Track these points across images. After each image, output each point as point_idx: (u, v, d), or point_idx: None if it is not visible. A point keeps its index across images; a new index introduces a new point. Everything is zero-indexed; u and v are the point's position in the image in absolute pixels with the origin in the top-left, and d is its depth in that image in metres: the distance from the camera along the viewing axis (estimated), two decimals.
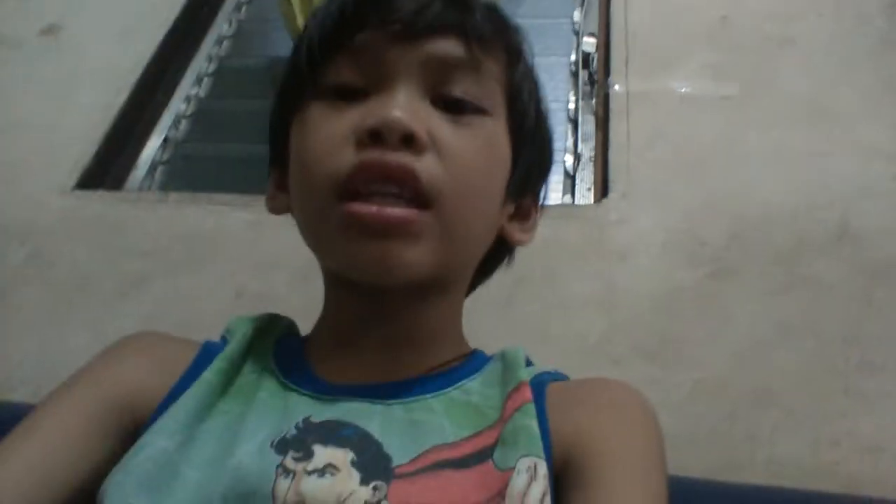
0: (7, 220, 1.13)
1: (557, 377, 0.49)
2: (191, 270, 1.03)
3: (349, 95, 0.46)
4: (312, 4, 1.17)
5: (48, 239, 1.10)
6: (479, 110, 0.46)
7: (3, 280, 1.07)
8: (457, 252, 0.47)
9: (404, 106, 0.43)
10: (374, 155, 0.42)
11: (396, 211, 0.42)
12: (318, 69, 0.47)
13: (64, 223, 1.12)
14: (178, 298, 1.01)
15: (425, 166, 0.43)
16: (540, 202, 0.56)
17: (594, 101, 1.19)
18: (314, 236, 0.48)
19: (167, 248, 1.06)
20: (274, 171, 0.54)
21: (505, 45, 0.49)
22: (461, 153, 0.44)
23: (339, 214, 0.43)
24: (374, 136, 0.42)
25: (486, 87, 0.47)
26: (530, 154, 0.51)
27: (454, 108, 0.46)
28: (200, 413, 0.45)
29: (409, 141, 0.42)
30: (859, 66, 1.10)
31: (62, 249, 1.09)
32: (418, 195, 0.43)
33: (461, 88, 0.46)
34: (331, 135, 0.44)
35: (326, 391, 0.46)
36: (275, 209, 0.53)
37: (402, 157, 0.42)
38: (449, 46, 0.46)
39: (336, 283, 0.50)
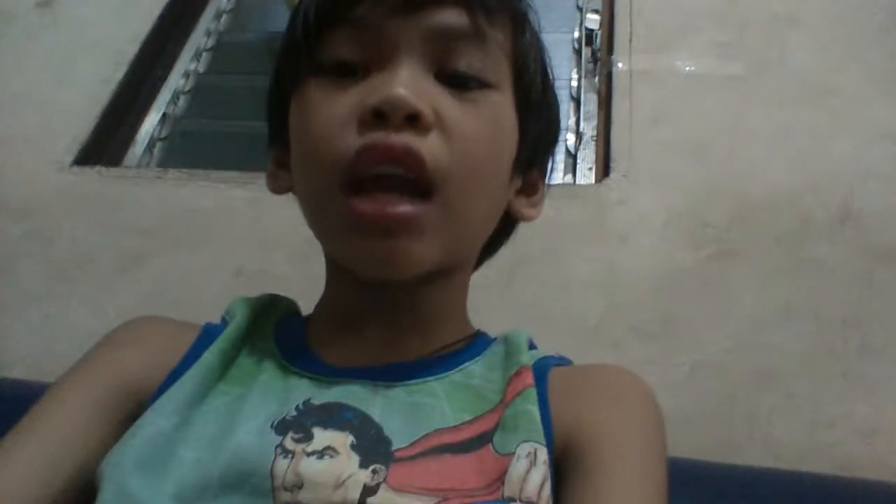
0: (5, 195, 1.13)
1: (560, 362, 0.49)
2: (190, 248, 1.03)
3: (349, 72, 0.44)
4: None
5: (46, 215, 1.10)
6: (485, 84, 0.45)
7: (2, 256, 1.06)
8: (463, 238, 0.46)
9: (408, 82, 0.41)
10: (378, 137, 0.41)
11: (400, 209, 0.41)
12: (316, 44, 0.45)
13: (62, 199, 1.11)
14: (177, 276, 1.01)
15: (430, 147, 0.41)
16: (546, 174, 0.54)
17: (597, 79, 1.17)
18: (317, 224, 0.47)
19: (166, 226, 1.06)
20: (273, 149, 0.52)
21: (510, 12, 0.47)
22: (467, 132, 0.43)
23: (343, 211, 0.42)
24: (378, 116, 0.41)
25: (492, 59, 0.45)
26: (537, 126, 0.50)
27: (459, 82, 0.44)
28: (199, 394, 0.45)
29: (413, 119, 0.41)
30: (866, 45, 1.09)
31: (60, 226, 1.08)
32: (423, 180, 0.41)
33: (466, 62, 0.44)
34: (332, 115, 0.43)
35: (327, 373, 0.46)
36: (276, 189, 0.52)
37: (406, 139, 0.41)
38: (452, 17, 0.44)
39: (338, 268, 0.49)
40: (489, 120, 0.45)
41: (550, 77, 0.53)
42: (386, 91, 0.41)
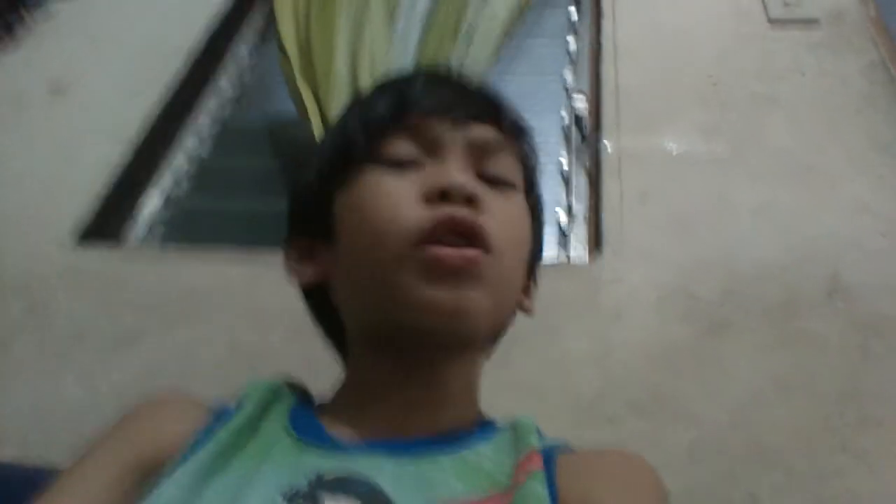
0: (6, 272, 1.14)
1: (566, 448, 0.50)
2: (187, 325, 1.03)
3: (402, 166, 0.51)
4: (330, 88, 1.21)
5: (46, 292, 1.10)
6: (511, 184, 0.53)
7: (0, 332, 1.06)
8: (503, 308, 0.52)
9: (462, 173, 0.50)
10: (448, 210, 0.47)
11: (471, 251, 0.47)
12: (369, 147, 0.52)
13: (62, 277, 1.12)
14: (173, 352, 1.01)
15: (485, 222, 0.48)
16: (534, 276, 0.60)
17: (586, 158, 1.21)
18: (380, 290, 0.49)
19: (164, 303, 1.06)
20: (295, 244, 0.57)
21: (524, 136, 0.58)
22: (506, 216, 0.51)
23: (420, 258, 0.46)
24: (443, 196, 0.48)
25: (515, 168, 0.55)
26: (538, 231, 0.59)
27: (492, 181, 0.52)
28: (213, 469, 0.46)
29: (470, 201, 0.48)
30: (843, 125, 1.13)
31: (60, 303, 1.09)
32: (483, 243, 0.48)
33: (498, 166, 0.53)
34: (398, 196, 0.49)
35: (339, 447, 0.47)
36: (306, 278, 0.55)
37: (470, 214, 0.48)
38: (487, 132, 0.53)
39: (369, 348, 0.52)
40: (518, 212, 0.53)
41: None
42: (450, 177, 0.49)
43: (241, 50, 1.59)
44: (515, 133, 0.56)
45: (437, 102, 0.53)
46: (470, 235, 0.47)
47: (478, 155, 0.52)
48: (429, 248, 0.46)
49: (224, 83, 1.52)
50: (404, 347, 0.49)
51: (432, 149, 0.51)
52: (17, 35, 1.58)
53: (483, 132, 0.53)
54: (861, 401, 0.85)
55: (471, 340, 0.50)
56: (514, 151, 0.55)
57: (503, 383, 0.88)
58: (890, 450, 0.82)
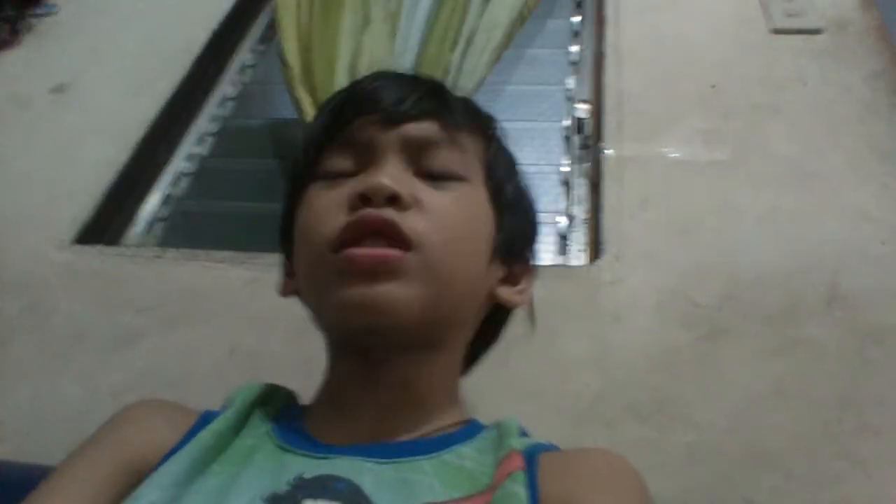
0: (4, 272, 1.14)
1: (550, 448, 0.50)
2: (185, 326, 1.03)
3: (342, 178, 0.52)
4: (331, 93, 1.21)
5: (44, 292, 1.10)
6: (457, 177, 0.52)
7: None
8: (443, 299, 0.49)
9: (389, 174, 0.49)
10: (361, 213, 0.47)
11: (384, 250, 0.46)
12: (317, 160, 0.53)
13: (60, 277, 1.12)
14: (171, 354, 1.00)
15: (407, 218, 0.48)
16: (530, 268, 0.59)
17: (587, 164, 1.21)
18: (315, 294, 0.52)
19: (163, 304, 1.06)
20: (285, 261, 0.59)
21: (480, 129, 0.56)
22: (440, 207, 0.50)
23: (335, 261, 0.47)
24: (364, 200, 0.48)
25: (463, 159, 0.53)
26: (512, 220, 0.56)
27: (433, 176, 0.52)
28: (193, 472, 0.46)
29: (393, 201, 0.48)
30: (845, 132, 1.14)
31: (58, 303, 1.09)
32: (401, 239, 0.47)
33: (438, 161, 0.52)
34: (326, 204, 0.50)
35: (321, 451, 0.47)
36: (283, 292, 0.58)
37: (386, 213, 0.47)
38: (425, 128, 0.52)
39: (336, 352, 0.53)
40: (460, 201, 0.52)
41: (525, 185, 0.60)
42: (370, 179, 0.48)
43: (243, 51, 1.60)
44: (462, 124, 0.54)
45: (370, 107, 0.52)
46: (386, 235, 0.47)
47: (416, 153, 0.52)
48: (344, 251, 0.47)
49: (225, 85, 1.53)
50: (358, 350, 0.50)
51: (367, 155, 0.51)
52: (20, 36, 1.59)
53: (419, 129, 0.52)
54: (860, 408, 0.85)
55: (405, 335, 0.48)
56: (462, 143, 0.54)
57: (502, 385, 0.88)
58: (888, 457, 0.81)
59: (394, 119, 0.52)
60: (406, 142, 0.52)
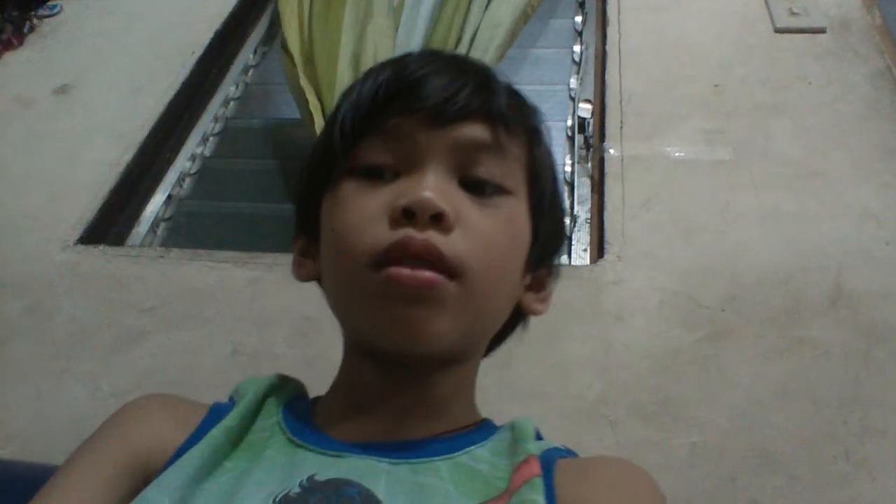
0: (8, 272, 1.14)
1: (567, 454, 0.49)
2: (189, 326, 1.03)
3: (378, 174, 0.48)
4: (334, 91, 1.21)
5: (47, 292, 1.11)
6: (502, 190, 0.49)
7: (1, 332, 1.07)
8: (478, 324, 0.48)
9: (434, 187, 0.45)
10: (407, 233, 0.44)
11: (427, 273, 0.44)
12: (349, 150, 0.49)
13: (64, 277, 1.12)
14: (174, 354, 1.01)
15: (451, 243, 0.45)
16: (554, 272, 0.57)
17: (590, 164, 1.21)
18: (347, 304, 0.49)
19: (166, 304, 1.06)
20: (299, 240, 0.55)
21: (525, 126, 0.52)
22: (485, 231, 0.47)
23: (378, 280, 0.44)
24: (407, 215, 0.44)
25: (509, 168, 0.49)
26: (548, 227, 0.53)
27: (479, 188, 0.48)
28: (204, 471, 0.45)
29: (437, 219, 0.45)
30: (848, 131, 1.13)
31: (61, 303, 1.09)
32: (443, 268, 0.44)
33: (486, 170, 0.48)
34: (365, 212, 0.46)
35: (333, 448, 0.46)
36: (303, 276, 0.54)
37: (431, 237, 0.44)
38: (476, 131, 0.48)
39: (355, 352, 0.51)
40: (505, 221, 0.48)
41: (559, 180, 0.56)
42: (415, 193, 0.45)
43: (246, 52, 1.60)
44: (513, 126, 0.50)
45: (416, 102, 0.47)
46: (428, 259, 0.44)
47: (463, 158, 0.48)
48: (385, 269, 0.44)
49: (228, 85, 1.53)
50: (382, 359, 0.48)
51: (408, 155, 0.47)
52: (24, 36, 1.59)
53: (468, 132, 0.48)
54: (864, 409, 0.85)
55: (439, 359, 0.48)
56: (508, 149, 0.49)
57: (505, 386, 0.88)
58: (893, 459, 0.81)
59: (442, 118, 0.47)
60: (453, 146, 0.47)
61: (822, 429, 0.83)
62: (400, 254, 0.44)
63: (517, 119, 0.50)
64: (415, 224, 0.44)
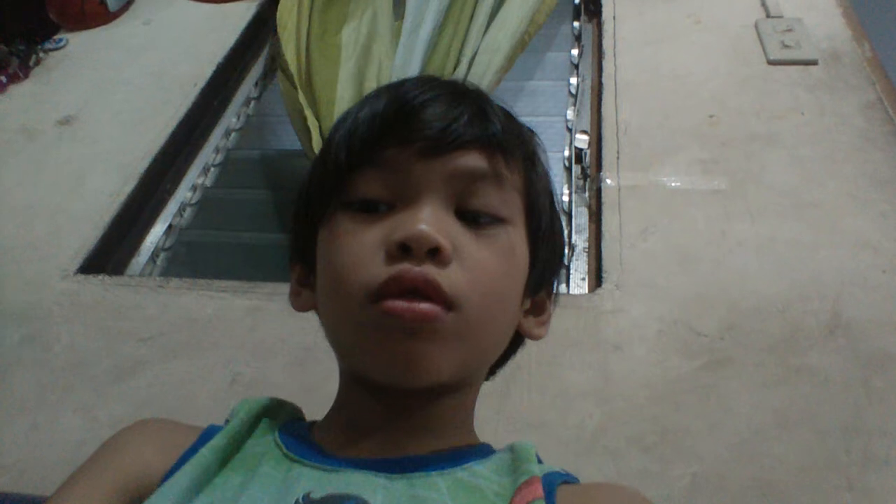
0: (6, 301, 1.14)
1: (569, 479, 0.48)
2: (187, 356, 1.03)
3: (375, 207, 0.47)
4: (333, 117, 1.22)
5: (46, 322, 1.11)
6: (500, 220, 0.48)
7: None
8: (477, 355, 0.48)
9: (430, 220, 0.45)
10: (403, 268, 0.44)
11: (425, 305, 0.43)
12: (346, 182, 0.48)
13: (62, 306, 1.12)
14: (172, 384, 1.00)
15: (449, 276, 0.44)
16: (554, 295, 0.57)
17: (587, 194, 1.22)
18: (344, 337, 0.49)
19: (165, 334, 1.06)
20: (295, 269, 0.55)
21: (522, 152, 0.51)
22: (482, 263, 0.46)
23: (374, 313, 0.44)
24: (403, 249, 0.44)
25: (506, 196, 0.49)
26: (546, 252, 0.53)
27: (476, 218, 0.47)
28: (193, 489, 0.45)
29: (434, 253, 0.44)
30: (842, 161, 1.15)
31: (59, 332, 1.09)
32: (442, 301, 0.44)
33: (483, 201, 0.48)
34: (361, 246, 0.46)
35: (330, 463, 0.46)
36: (299, 306, 0.54)
37: (427, 270, 0.44)
38: (473, 160, 0.47)
39: (353, 382, 0.51)
40: (502, 252, 0.48)
41: (557, 204, 0.56)
42: (411, 227, 0.44)
43: (247, 85, 1.62)
44: (510, 153, 0.49)
45: (413, 130, 0.47)
46: (425, 293, 0.43)
47: (459, 187, 0.47)
48: (382, 303, 0.44)
49: (230, 117, 1.55)
50: (378, 390, 0.48)
51: (404, 187, 0.47)
52: (31, 70, 1.62)
53: (465, 162, 0.47)
54: (866, 438, 0.84)
55: (437, 390, 0.47)
56: (508, 176, 0.49)
57: (503, 415, 0.88)
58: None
59: (438, 149, 0.46)
60: (450, 177, 0.47)
61: (824, 458, 0.83)
62: (396, 288, 0.44)
63: (514, 145, 0.50)
64: (411, 259, 0.44)
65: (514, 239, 0.49)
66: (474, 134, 0.47)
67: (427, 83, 0.50)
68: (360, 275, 0.45)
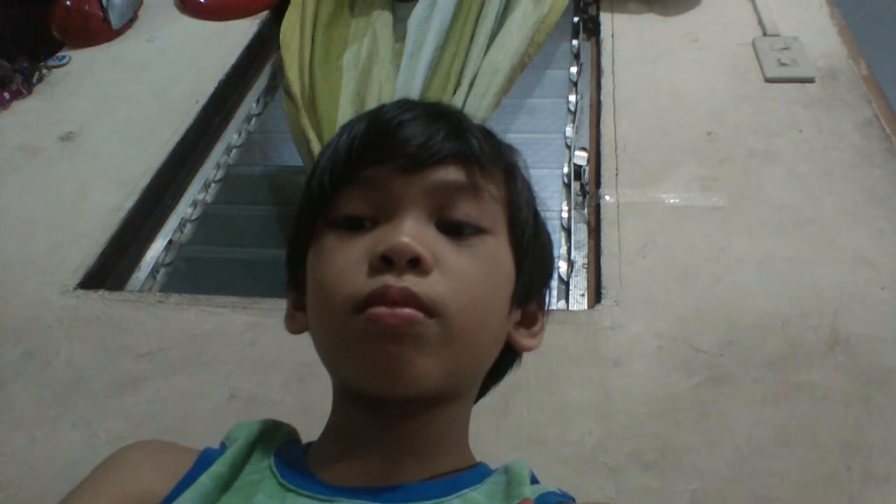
0: (6, 317, 1.14)
1: (563, 499, 0.48)
2: (186, 371, 1.03)
3: (359, 224, 0.49)
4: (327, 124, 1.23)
5: (45, 337, 1.11)
6: (481, 230, 0.49)
7: None
8: (463, 363, 0.48)
9: (411, 232, 0.46)
10: (382, 281, 0.45)
11: (407, 310, 0.44)
12: (330, 202, 0.50)
13: (62, 322, 1.12)
14: (171, 400, 1.00)
15: (429, 286, 0.45)
16: (546, 306, 0.57)
17: (586, 210, 1.23)
18: (331, 350, 0.49)
19: (164, 349, 1.06)
20: (291, 293, 0.56)
21: (501, 164, 0.53)
22: (463, 272, 0.47)
23: (358, 322, 0.45)
24: (385, 261, 0.45)
25: (486, 207, 0.50)
26: (531, 263, 0.54)
27: (457, 230, 0.49)
28: None
29: (415, 263, 0.45)
30: (840, 178, 1.15)
31: (59, 348, 1.09)
32: (424, 308, 0.45)
33: (463, 212, 0.49)
34: (345, 261, 0.47)
35: (325, 493, 0.46)
36: (294, 329, 0.55)
37: (406, 283, 0.45)
38: (451, 174, 0.49)
39: (344, 396, 0.51)
40: (484, 261, 0.49)
41: (542, 214, 0.57)
42: (392, 239, 0.45)
43: (249, 101, 1.64)
44: (488, 166, 0.50)
45: (391, 151, 0.48)
46: (406, 305, 0.44)
47: (439, 201, 0.48)
48: (367, 310, 0.44)
49: (231, 133, 1.56)
50: (369, 403, 0.48)
51: (386, 203, 0.48)
52: (34, 86, 1.63)
53: (443, 175, 0.48)
54: (866, 455, 0.84)
55: (426, 400, 0.47)
56: (485, 188, 0.50)
57: (502, 431, 0.88)
58: None
59: (417, 165, 0.48)
60: (429, 191, 0.48)
61: (825, 475, 0.82)
62: (379, 301, 0.44)
63: (492, 158, 0.51)
64: (393, 270, 0.45)
65: (497, 249, 0.50)
66: (451, 149, 0.49)
67: (404, 105, 0.51)
68: (345, 288, 0.46)
